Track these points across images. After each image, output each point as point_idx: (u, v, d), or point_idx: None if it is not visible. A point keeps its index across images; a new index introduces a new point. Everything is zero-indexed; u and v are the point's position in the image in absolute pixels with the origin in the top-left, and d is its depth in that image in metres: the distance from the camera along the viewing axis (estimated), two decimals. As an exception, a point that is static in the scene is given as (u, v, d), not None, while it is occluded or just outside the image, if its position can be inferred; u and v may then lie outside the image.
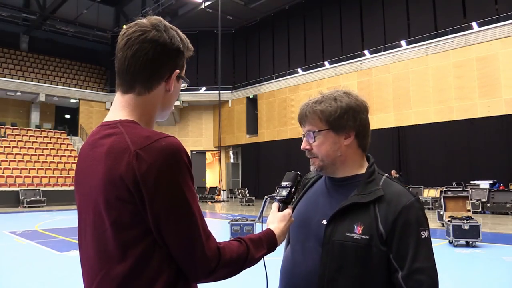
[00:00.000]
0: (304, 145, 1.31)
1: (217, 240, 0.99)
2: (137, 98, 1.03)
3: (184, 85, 1.12)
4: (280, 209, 1.26)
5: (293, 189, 1.30)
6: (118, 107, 1.03)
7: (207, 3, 24.13)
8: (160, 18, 1.06)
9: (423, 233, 1.15)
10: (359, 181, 1.25)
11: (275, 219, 1.23)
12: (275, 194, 1.33)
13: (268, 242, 1.12)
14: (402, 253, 1.13)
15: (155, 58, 1.01)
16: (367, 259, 1.14)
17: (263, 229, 1.21)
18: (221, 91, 25.37)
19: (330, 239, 1.18)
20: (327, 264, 1.17)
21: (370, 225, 1.15)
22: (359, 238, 1.15)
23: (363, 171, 1.29)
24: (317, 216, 1.27)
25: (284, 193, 1.29)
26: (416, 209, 1.18)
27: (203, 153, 29.45)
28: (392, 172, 14.91)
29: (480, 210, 13.97)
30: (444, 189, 13.83)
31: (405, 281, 1.11)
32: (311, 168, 1.33)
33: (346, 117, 1.26)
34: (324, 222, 1.22)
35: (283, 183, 1.32)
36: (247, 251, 1.03)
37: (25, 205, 18.83)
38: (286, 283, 1.28)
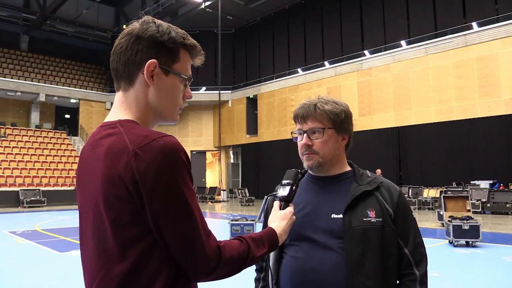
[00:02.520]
0: (306, 141, 1.38)
1: (217, 239, 0.99)
2: (126, 95, 1.03)
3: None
4: (282, 208, 1.26)
5: (294, 187, 1.30)
6: (116, 107, 1.04)
7: (207, 3, 24.14)
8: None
9: (412, 214, 1.41)
10: (351, 176, 1.41)
11: (277, 217, 1.23)
12: (276, 192, 1.33)
13: (269, 240, 1.12)
14: (406, 231, 1.34)
15: (128, 49, 1.00)
16: (384, 239, 1.30)
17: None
18: (221, 91, 25.37)
19: (350, 226, 1.29)
20: (352, 250, 1.27)
21: (380, 209, 1.32)
22: (375, 221, 1.30)
23: (348, 168, 1.46)
24: (321, 213, 1.35)
25: (285, 191, 1.29)
26: (404, 194, 1.42)
27: (203, 153, 29.45)
28: (378, 171, 14.76)
29: (480, 210, 13.97)
30: (444, 189, 13.82)
31: (412, 255, 1.32)
32: (308, 163, 1.40)
33: (347, 121, 1.42)
34: (334, 215, 1.33)
35: (284, 181, 1.32)
36: (248, 249, 1.03)
37: (25, 205, 18.83)
38: (306, 281, 1.30)
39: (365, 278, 1.25)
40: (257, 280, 1.56)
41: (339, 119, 1.38)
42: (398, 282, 1.33)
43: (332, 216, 1.33)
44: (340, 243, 1.29)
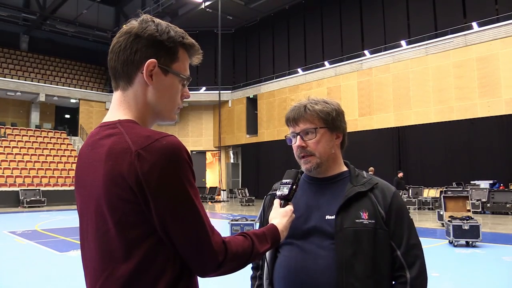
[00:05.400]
0: (300, 143, 1.38)
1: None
2: (124, 95, 1.03)
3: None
4: (282, 206, 1.29)
5: (294, 186, 1.31)
6: (114, 107, 1.04)
7: (207, 3, 24.14)
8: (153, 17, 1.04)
9: (409, 215, 1.37)
10: (347, 177, 1.41)
11: (278, 214, 1.25)
12: (276, 191, 1.35)
13: (271, 237, 1.13)
14: (399, 233, 1.31)
15: (126, 48, 1.00)
16: (376, 240, 1.28)
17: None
18: (221, 91, 25.38)
19: (341, 227, 1.29)
20: (343, 251, 1.27)
21: (373, 210, 1.31)
22: (367, 222, 1.29)
23: (344, 168, 1.45)
24: (316, 214, 1.35)
25: (285, 190, 1.31)
26: (400, 196, 1.40)
27: (203, 153, 29.45)
28: (371, 169, 14.68)
29: (480, 210, 13.96)
30: (444, 189, 13.82)
31: (404, 257, 1.29)
32: (306, 166, 1.40)
33: (339, 119, 1.41)
34: (328, 217, 1.32)
35: (284, 181, 1.34)
36: (252, 245, 1.04)
37: (25, 205, 18.83)
38: (298, 281, 1.31)
39: (355, 280, 1.24)
40: (253, 278, 1.57)
41: (330, 118, 1.37)
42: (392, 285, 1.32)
43: (326, 217, 1.33)
44: (332, 244, 1.29)
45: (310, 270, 1.29)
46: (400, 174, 14.91)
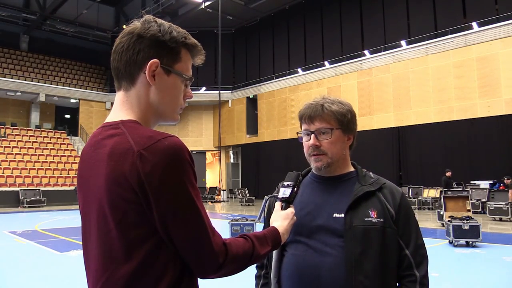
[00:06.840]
0: (314, 142, 1.38)
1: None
2: (127, 95, 1.03)
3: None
4: (283, 208, 1.29)
5: (295, 189, 1.32)
6: (117, 107, 1.04)
7: (207, 3, 24.14)
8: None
9: (415, 216, 1.41)
10: (354, 177, 1.42)
11: (279, 217, 1.25)
12: (277, 194, 1.35)
13: (272, 239, 1.14)
14: (407, 232, 1.34)
15: (129, 48, 1.00)
16: (384, 239, 1.30)
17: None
18: (221, 91, 25.37)
19: (351, 226, 1.30)
20: (352, 249, 1.27)
21: (382, 209, 1.33)
22: (376, 221, 1.31)
23: (352, 168, 1.46)
24: (323, 212, 1.36)
25: (286, 192, 1.31)
26: (406, 197, 1.42)
27: (203, 153, 29.44)
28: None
29: (480, 210, 13.96)
30: (444, 189, 13.80)
31: (413, 256, 1.32)
32: (316, 164, 1.40)
33: (353, 121, 1.43)
34: (336, 215, 1.34)
35: (285, 183, 1.34)
36: (253, 247, 1.04)
37: (25, 205, 18.83)
38: (306, 279, 1.31)
39: (364, 278, 1.25)
40: (257, 277, 1.56)
41: (345, 120, 1.38)
42: (398, 283, 1.33)
43: (334, 215, 1.33)
44: (341, 242, 1.29)
45: (317, 268, 1.29)
46: (449, 173, 14.65)
